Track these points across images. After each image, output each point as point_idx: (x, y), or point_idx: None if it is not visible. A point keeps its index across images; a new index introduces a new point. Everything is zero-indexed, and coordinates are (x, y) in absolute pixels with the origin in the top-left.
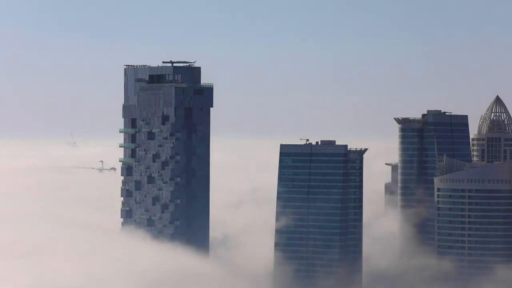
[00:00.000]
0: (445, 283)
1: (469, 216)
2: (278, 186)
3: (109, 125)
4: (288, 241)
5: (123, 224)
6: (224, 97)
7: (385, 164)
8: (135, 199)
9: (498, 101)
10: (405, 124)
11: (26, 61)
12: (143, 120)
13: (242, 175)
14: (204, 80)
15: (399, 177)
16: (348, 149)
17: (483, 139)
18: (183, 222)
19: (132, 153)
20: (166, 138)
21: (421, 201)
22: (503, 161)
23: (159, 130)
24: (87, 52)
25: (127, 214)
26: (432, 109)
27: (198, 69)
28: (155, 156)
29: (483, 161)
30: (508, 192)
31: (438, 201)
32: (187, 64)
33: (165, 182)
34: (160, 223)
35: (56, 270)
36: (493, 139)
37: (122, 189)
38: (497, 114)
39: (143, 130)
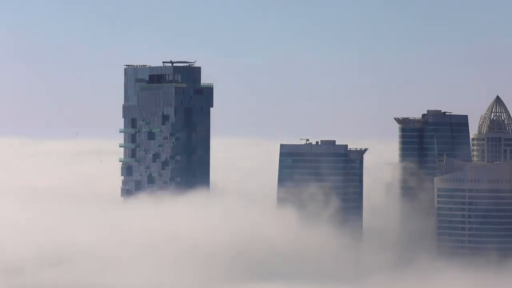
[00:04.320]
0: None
1: (469, 216)
2: (278, 186)
3: (109, 125)
4: None
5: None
6: (224, 97)
7: (385, 164)
8: (135, 199)
9: (498, 101)
10: (405, 124)
11: (26, 61)
12: (143, 120)
13: (242, 175)
14: (204, 80)
15: (399, 177)
16: (348, 149)
17: (483, 139)
18: None
19: (132, 153)
20: (166, 138)
21: (421, 201)
22: (503, 161)
23: (159, 130)
24: (87, 52)
25: None
26: (432, 109)
27: (198, 69)
28: (155, 156)
29: (483, 161)
30: (508, 192)
31: (438, 201)
32: (187, 64)
33: (165, 182)
34: None
35: None
36: (493, 139)
37: (122, 189)
38: (497, 114)
39: (143, 130)
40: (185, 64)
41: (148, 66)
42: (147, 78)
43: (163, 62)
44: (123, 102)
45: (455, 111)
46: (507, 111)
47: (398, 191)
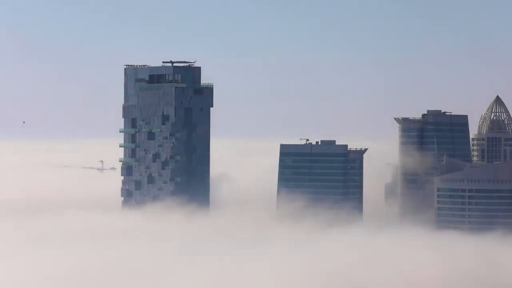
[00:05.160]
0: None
1: (469, 216)
2: (278, 186)
3: (109, 125)
4: None
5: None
6: (224, 97)
7: (385, 164)
8: (135, 199)
9: (498, 101)
10: (405, 124)
11: (25, 61)
12: (143, 120)
13: (242, 175)
14: (204, 80)
15: (399, 177)
16: (348, 149)
17: (483, 139)
18: None
19: (132, 153)
20: (166, 138)
21: (421, 201)
22: (503, 161)
23: (159, 130)
24: (87, 52)
25: None
26: (432, 109)
27: (198, 69)
28: (155, 156)
29: (483, 161)
30: (508, 192)
31: (438, 201)
32: (187, 64)
33: (165, 182)
34: None
35: None
36: (493, 139)
37: (122, 189)
38: (497, 114)
39: (143, 130)
40: (185, 64)
41: (148, 66)
42: (147, 78)
43: (163, 62)
44: (123, 102)
45: (455, 111)
46: (507, 111)
47: (398, 191)
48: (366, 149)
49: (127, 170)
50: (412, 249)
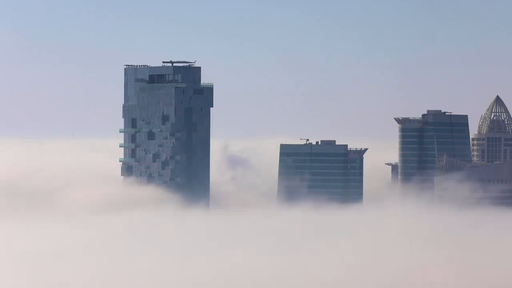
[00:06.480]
0: None
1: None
2: (278, 186)
3: (109, 125)
4: None
5: None
6: (224, 97)
7: (385, 164)
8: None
9: (498, 101)
10: (405, 124)
11: (25, 60)
12: (143, 120)
13: (242, 175)
14: (204, 80)
15: (399, 177)
16: (348, 149)
17: (483, 139)
18: None
19: (132, 153)
20: (166, 138)
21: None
22: (503, 161)
23: (159, 130)
24: (87, 52)
25: None
26: (432, 109)
27: (198, 69)
28: (155, 156)
29: (483, 161)
30: (508, 192)
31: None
32: (187, 64)
33: (165, 182)
34: None
35: None
36: (493, 139)
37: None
38: (497, 114)
39: (143, 130)
40: (185, 64)
41: (148, 66)
42: (147, 78)
43: (163, 62)
44: (123, 102)
45: (455, 111)
46: (507, 111)
47: (398, 191)
48: (366, 149)
49: (127, 170)
50: None
